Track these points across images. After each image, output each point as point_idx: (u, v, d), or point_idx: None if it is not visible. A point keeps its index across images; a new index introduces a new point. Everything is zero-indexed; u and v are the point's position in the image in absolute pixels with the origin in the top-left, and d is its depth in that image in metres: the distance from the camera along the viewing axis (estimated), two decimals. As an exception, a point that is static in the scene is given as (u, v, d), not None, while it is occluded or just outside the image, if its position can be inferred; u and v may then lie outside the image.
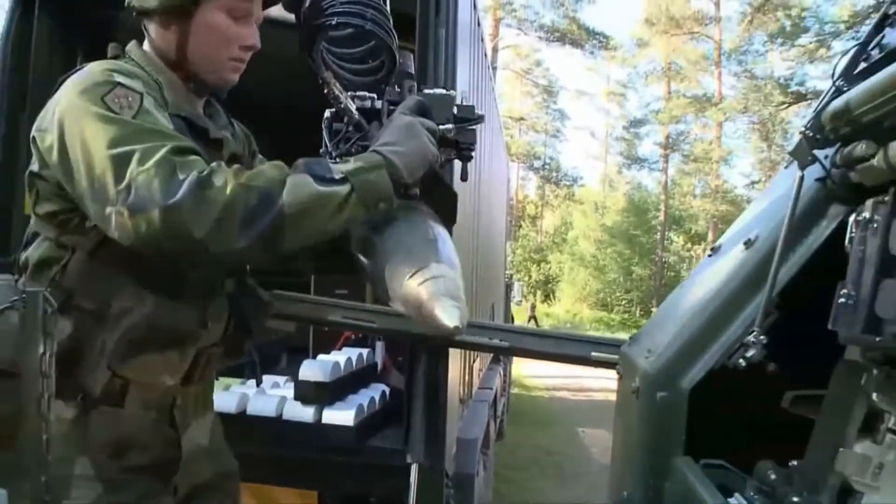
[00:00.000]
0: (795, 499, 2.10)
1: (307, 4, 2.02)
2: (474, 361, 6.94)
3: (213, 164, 1.69)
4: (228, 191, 1.61)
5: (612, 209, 51.81)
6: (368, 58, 2.13)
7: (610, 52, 52.78)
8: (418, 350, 3.91)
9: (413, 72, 2.21)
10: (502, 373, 11.39)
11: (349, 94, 1.99)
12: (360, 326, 4.09)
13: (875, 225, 1.87)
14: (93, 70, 1.88)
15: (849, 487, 2.12)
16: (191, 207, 1.58)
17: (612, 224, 49.60)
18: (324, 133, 2.04)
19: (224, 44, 2.06)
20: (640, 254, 47.95)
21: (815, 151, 2.26)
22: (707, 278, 2.69)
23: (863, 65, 2.11)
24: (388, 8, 2.07)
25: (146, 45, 2.12)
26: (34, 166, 1.93)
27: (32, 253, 1.94)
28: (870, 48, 2.08)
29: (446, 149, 1.94)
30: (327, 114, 2.07)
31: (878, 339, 1.79)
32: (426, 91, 2.01)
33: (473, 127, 1.97)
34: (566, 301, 50.35)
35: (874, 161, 2.00)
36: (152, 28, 2.06)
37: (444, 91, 2.03)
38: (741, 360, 2.16)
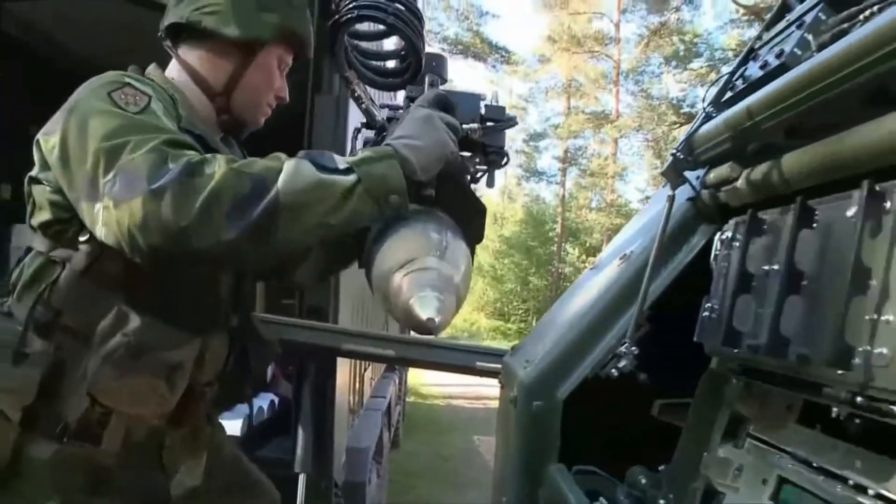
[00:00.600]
0: (662, 501, 2.20)
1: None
2: (365, 370, 6.96)
3: (209, 155, 1.57)
4: (218, 177, 1.48)
5: (510, 220, 52.46)
6: (395, 58, 2.09)
7: (512, 67, 53.48)
8: (307, 360, 3.90)
9: (445, 74, 2.00)
10: (397, 381, 11.42)
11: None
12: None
13: (736, 243, 1.99)
14: (107, 74, 1.84)
15: (712, 489, 2.24)
16: (175, 193, 1.45)
17: (511, 235, 50.22)
18: (355, 144, 1.97)
19: (269, 87, 2.07)
20: (538, 264, 48.65)
21: (687, 173, 2.39)
22: (585, 291, 2.79)
23: (729, 93, 2.22)
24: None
25: (173, 72, 2.07)
26: (34, 171, 1.85)
27: (26, 269, 1.86)
28: (735, 78, 2.20)
29: (472, 153, 1.83)
30: (357, 124, 2.03)
31: (735, 350, 1.90)
32: (451, 90, 1.86)
33: (502, 129, 1.84)
34: (464, 310, 50.52)
35: (737, 183, 2.14)
36: (198, 54, 2.02)
37: (471, 90, 1.90)
38: (613, 371, 2.26)
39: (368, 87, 2.07)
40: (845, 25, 1.85)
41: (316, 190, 1.51)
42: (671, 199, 2.20)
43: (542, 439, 2.39)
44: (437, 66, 1.95)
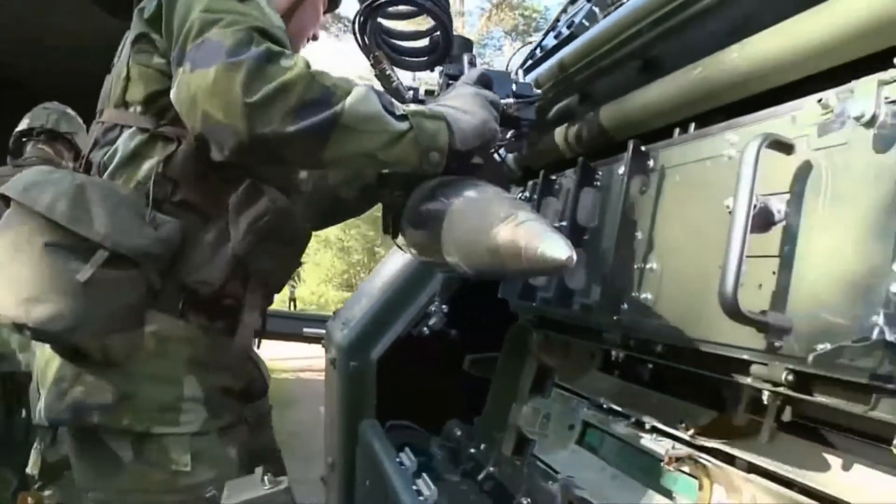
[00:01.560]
0: (472, 450, 2.32)
1: None
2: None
3: (289, 51, 1.56)
4: (293, 73, 1.47)
5: (357, 192, 52.14)
6: (423, 38, 2.05)
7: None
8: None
9: (473, 50, 2.05)
10: (242, 356, 11.23)
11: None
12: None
13: (531, 203, 2.11)
14: None
15: (524, 437, 2.37)
16: (249, 71, 1.44)
17: (356, 207, 49.92)
18: None
19: (314, 23, 2.14)
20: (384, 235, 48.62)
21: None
22: (401, 254, 2.86)
23: (530, 62, 2.33)
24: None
25: None
26: (133, 45, 1.77)
27: (123, 145, 1.76)
28: (534, 48, 2.31)
29: (507, 126, 1.88)
30: None
31: (533, 304, 2.02)
32: (487, 68, 1.88)
33: (533, 103, 1.90)
34: (311, 283, 50.14)
35: (537, 147, 2.26)
36: None
37: (502, 69, 1.97)
38: (425, 329, 2.35)
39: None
40: (626, -1, 1.97)
41: (375, 121, 1.52)
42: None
43: (358, 398, 2.46)
44: (466, 46, 2.04)
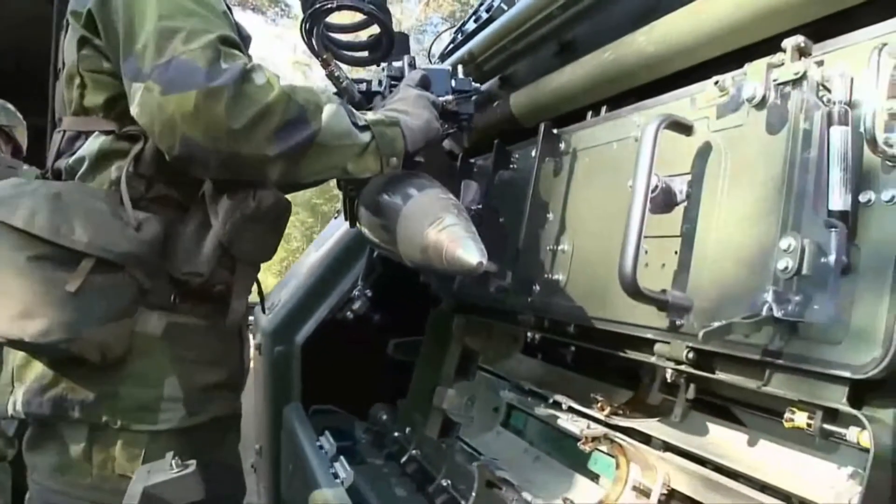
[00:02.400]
0: (396, 434, 2.32)
1: None
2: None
3: (255, 62, 1.58)
4: (273, 94, 1.50)
5: (295, 178, 51.72)
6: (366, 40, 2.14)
7: (294, 21, 52.44)
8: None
9: (409, 49, 2.17)
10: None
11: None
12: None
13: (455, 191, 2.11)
14: None
15: (449, 421, 2.39)
16: (231, 96, 1.46)
17: (296, 194, 49.58)
18: None
19: None
20: (323, 222, 48.29)
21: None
22: (326, 238, 2.86)
23: (451, 46, 2.33)
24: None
25: None
26: (72, 53, 1.73)
27: (88, 149, 1.72)
28: (455, 31, 2.31)
29: (446, 120, 1.93)
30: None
31: (452, 288, 2.03)
32: (425, 66, 2.00)
33: (471, 98, 1.97)
34: (252, 271, 49.62)
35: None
36: None
37: (441, 66, 2.03)
38: (349, 313, 2.35)
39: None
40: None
41: (345, 138, 1.60)
42: (401, 147, 2.28)
43: (283, 382, 2.45)
44: (404, 44, 2.14)
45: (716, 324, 1.10)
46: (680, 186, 1.31)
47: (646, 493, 1.59)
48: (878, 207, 0.99)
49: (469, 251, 1.43)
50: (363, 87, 2.02)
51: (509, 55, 1.89)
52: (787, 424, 1.10)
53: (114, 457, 1.67)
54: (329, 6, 1.99)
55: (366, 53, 2.15)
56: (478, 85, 1.98)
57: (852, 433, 1.01)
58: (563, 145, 1.67)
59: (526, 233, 1.70)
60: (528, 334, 1.80)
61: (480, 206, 1.90)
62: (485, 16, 2.10)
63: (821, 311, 1.01)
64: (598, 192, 1.54)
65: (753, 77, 1.17)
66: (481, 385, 2.38)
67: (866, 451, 0.99)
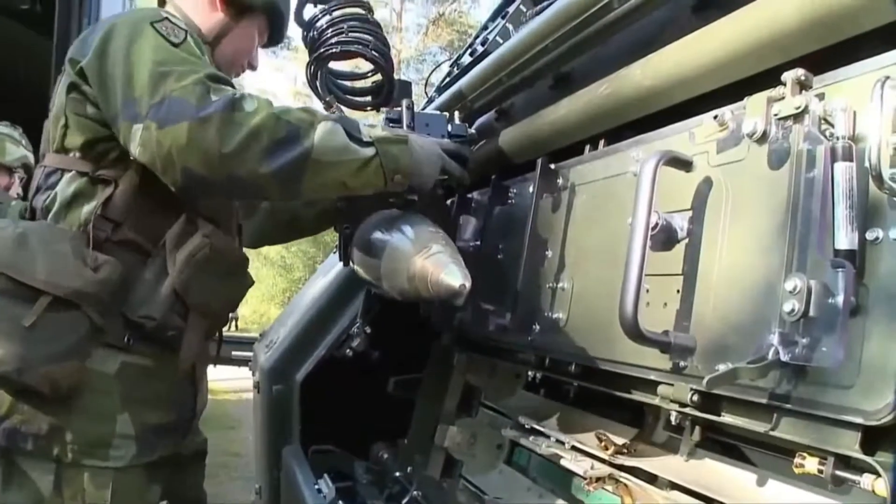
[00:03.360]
0: (398, 473, 2.28)
1: (313, 33, 2.09)
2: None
3: (246, 92, 1.66)
4: (259, 117, 1.58)
5: (297, 208, 51.70)
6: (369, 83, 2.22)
7: (293, 53, 52.81)
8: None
9: (411, 94, 2.20)
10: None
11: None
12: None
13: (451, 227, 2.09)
14: (143, 8, 1.88)
15: (451, 458, 2.35)
16: (221, 123, 1.55)
17: (296, 223, 49.49)
18: None
19: (247, 53, 2.18)
20: (325, 252, 48.37)
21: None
22: (326, 273, 2.83)
23: (447, 79, 2.32)
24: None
25: (172, 9, 2.06)
26: (61, 95, 1.82)
27: (62, 190, 1.80)
28: (451, 64, 2.30)
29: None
30: None
31: (452, 324, 1.99)
32: (423, 111, 2.06)
33: (468, 144, 2.00)
34: (254, 302, 49.51)
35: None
36: (194, 2, 2.06)
37: (438, 112, 2.07)
38: (348, 350, 2.31)
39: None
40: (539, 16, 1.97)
41: (343, 153, 1.64)
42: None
43: (282, 422, 2.42)
44: (405, 90, 2.17)
45: (721, 367, 1.07)
46: (681, 223, 1.28)
47: (651, 534, 1.55)
48: (887, 245, 0.96)
49: (452, 275, 1.48)
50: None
51: (504, 89, 1.88)
52: (797, 470, 1.07)
53: (83, 489, 1.72)
54: (333, 51, 2.05)
55: (368, 98, 2.21)
56: (472, 131, 2.01)
57: (866, 480, 0.98)
58: (560, 181, 1.65)
59: (525, 270, 1.67)
60: (532, 375, 1.76)
61: (478, 243, 1.87)
62: (480, 49, 2.09)
63: (829, 355, 0.97)
64: (598, 228, 1.51)
65: (753, 111, 1.14)
66: (484, 422, 2.35)
67: (882, 498, 0.95)
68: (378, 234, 1.78)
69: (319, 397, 2.44)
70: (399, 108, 2.04)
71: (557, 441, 1.81)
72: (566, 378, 1.60)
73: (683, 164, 1.26)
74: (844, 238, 0.97)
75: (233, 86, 1.71)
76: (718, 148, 1.24)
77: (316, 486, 1.94)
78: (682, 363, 1.21)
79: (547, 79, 1.84)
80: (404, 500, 2.11)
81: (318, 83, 2.13)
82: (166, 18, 1.76)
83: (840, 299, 0.96)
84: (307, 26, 2.10)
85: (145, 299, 1.80)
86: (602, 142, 1.64)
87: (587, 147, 1.68)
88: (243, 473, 10.64)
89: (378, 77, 2.16)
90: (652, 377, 1.29)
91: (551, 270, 1.61)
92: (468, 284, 1.47)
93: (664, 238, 1.28)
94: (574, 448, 1.73)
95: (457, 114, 2.05)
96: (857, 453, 0.98)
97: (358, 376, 2.43)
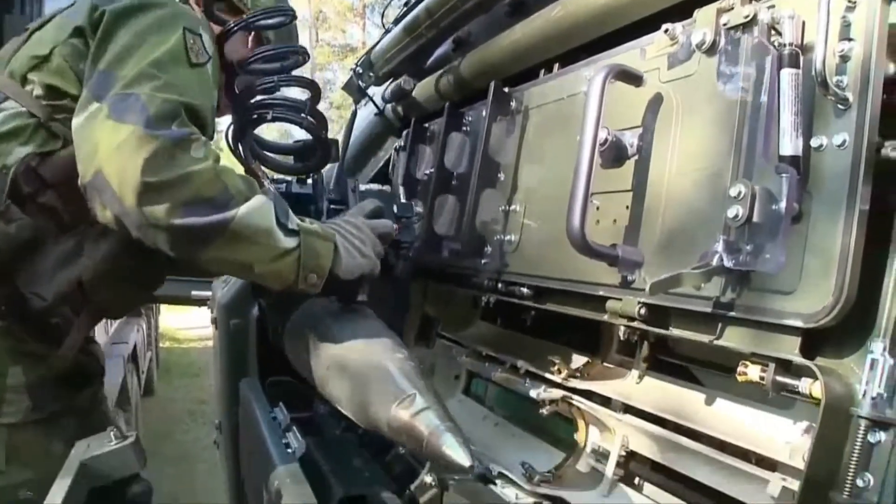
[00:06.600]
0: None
1: (239, 95, 1.92)
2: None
3: (205, 140, 1.51)
4: (199, 166, 1.42)
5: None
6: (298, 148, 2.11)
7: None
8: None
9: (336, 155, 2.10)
10: (145, 327, 10.97)
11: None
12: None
13: (405, 152, 2.08)
14: (189, 8, 1.75)
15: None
16: (159, 150, 1.39)
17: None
18: None
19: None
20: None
21: (372, 90, 2.45)
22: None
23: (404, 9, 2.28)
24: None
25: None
26: (69, 33, 1.68)
27: (1, 118, 1.67)
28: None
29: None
30: None
31: (409, 253, 1.98)
32: (368, 187, 1.96)
33: (413, 224, 1.90)
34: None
35: (412, 96, 2.22)
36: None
37: (381, 187, 2.02)
38: (305, 283, 2.30)
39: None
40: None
41: (263, 236, 1.48)
42: (354, 113, 2.25)
43: (239, 355, 2.41)
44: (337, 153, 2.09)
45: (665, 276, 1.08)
46: (631, 139, 1.28)
47: (604, 456, 1.57)
48: (830, 152, 0.96)
49: (456, 452, 1.28)
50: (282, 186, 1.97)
51: (461, 14, 1.85)
52: (740, 378, 1.08)
53: None
54: (264, 115, 1.94)
55: (300, 163, 2.11)
56: (419, 210, 1.92)
57: (804, 384, 0.99)
58: (514, 104, 1.64)
59: (477, 195, 1.66)
60: (486, 298, 1.76)
61: (433, 171, 1.86)
62: (437, -24, 2.05)
63: (771, 260, 0.98)
64: (550, 149, 1.50)
65: (703, 23, 1.14)
66: (441, 352, 2.35)
67: (817, 400, 0.97)
68: (327, 342, 1.62)
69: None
70: (342, 188, 1.93)
71: (512, 367, 1.82)
72: (518, 301, 1.60)
73: (633, 79, 1.25)
74: (789, 144, 0.98)
75: (206, 131, 1.58)
76: (669, 63, 1.24)
77: (272, 415, 1.94)
78: (630, 277, 1.22)
79: (502, 4, 1.82)
80: (361, 428, 2.12)
81: (240, 148, 2.00)
82: (201, 35, 1.65)
83: (783, 205, 0.97)
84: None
85: (43, 276, 1.69)
86: (556, 66, 1.63)
87: (542, 71, 1.66)
88: (209, 419, 10.69)
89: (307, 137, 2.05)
90: (601, 293, 1.30)
91: (504, 194, 1.61)
92: (476, 463, 1.30)
93: (614, 155, 1.28)
94: (528, 373, 1.75)
95: (402, 191, 1.96)
96: (797, 357, 0.99)
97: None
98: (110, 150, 1.41)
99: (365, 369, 1.46)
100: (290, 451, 1.68)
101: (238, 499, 2.58)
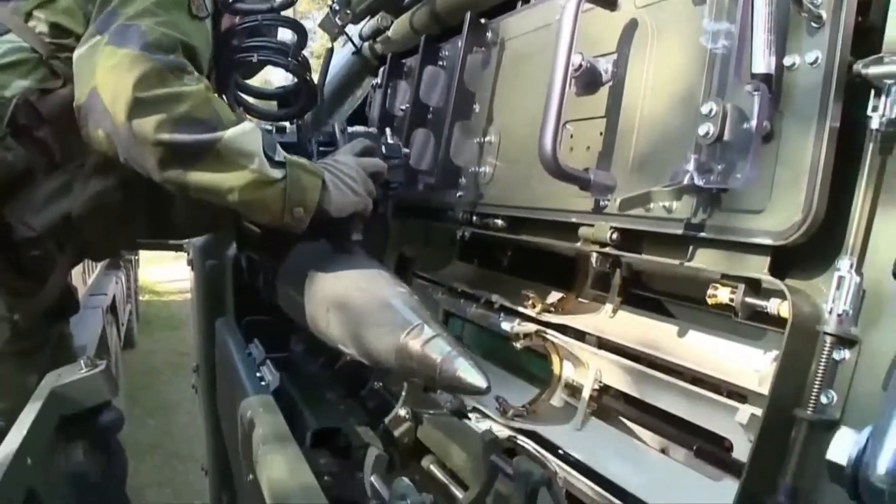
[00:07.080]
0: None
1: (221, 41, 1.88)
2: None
3: (198, 74, 1.54)
4: (190, 88, 1.45)
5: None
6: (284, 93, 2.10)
7: None
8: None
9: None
10: (124, 279, 10.92)
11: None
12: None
13: (380, 89, 2.06)
14: None
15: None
16: (152, 70, 1.42)
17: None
18: None
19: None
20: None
21: (350, 28, 2.41)
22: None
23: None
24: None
25: None
26: None
27: (1, 49, 1.69)
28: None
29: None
30: None
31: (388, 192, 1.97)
32: (355, 129, 1.87)
33: (401, 165, 1.86)
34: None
35: (388, 32, 2.19)
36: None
37: (369, 129, 1.91)
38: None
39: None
40: None
41: (248, 158, 1.48)
42: (330, 51, 2.22)
43: (215, 296, 2.40)
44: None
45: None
46: (605, 66, 1.26)
47: (578, 390, 1.58)
48: (803, 70, 0.95)
49: (471, 375, 1.29)
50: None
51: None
52: (710, 301, 1.08)
53: None
54: (249, 58, 1.92)
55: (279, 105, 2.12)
56: (406, 150, 1.89)
57: (773, 305, 0.99)
58: (490, 35, 1.62)
59: (452, 127, 1.65)
60: (461, 233, 1.75)
61: (408, 106, 1.84)
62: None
63: (742, 179, 0.98)
64: (526, 80, 1.49)
65: (678, -59, 1.12)
66: (417, 293, 2.34)
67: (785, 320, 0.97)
68: (326, 284, 1.60)
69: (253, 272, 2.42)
70: (329, 129, 1.89)
71: (487, 302, 1.82)
72: (493, 233, 1.60)
73: (607, 3, 1.24)
74: (762, 62, 0.97)
75: (201, 69, 1.61)
76: (644, -13, 1.22)
77: (247, 351, 1.94)
78: (602, 202, 1.22)
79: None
80: (337, 365, 2.13)
81: (224, 95, 1.98)
82: None
83: (754, 123, 0.97)
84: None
85: (33, 207, 1.71)
86: (536, -4, 1.61)
87: (519, 2, 1.64)
88: (189, 372, 10.70)
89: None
90: (573, 219, 1.30)
91: (479, 125, 1.59)
92: (488, 383, 1.30)
93: (588, 80, 1.27)
94: (502, 308, 1.75)
95: (388, 131, 1.88)
96: (766, 276, 0.99)
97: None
98: (106, 70, 1.44)
99: (369, 305, 1.45)
100: (263, 383, 1.68)
101: (215, 439, 2.60)
